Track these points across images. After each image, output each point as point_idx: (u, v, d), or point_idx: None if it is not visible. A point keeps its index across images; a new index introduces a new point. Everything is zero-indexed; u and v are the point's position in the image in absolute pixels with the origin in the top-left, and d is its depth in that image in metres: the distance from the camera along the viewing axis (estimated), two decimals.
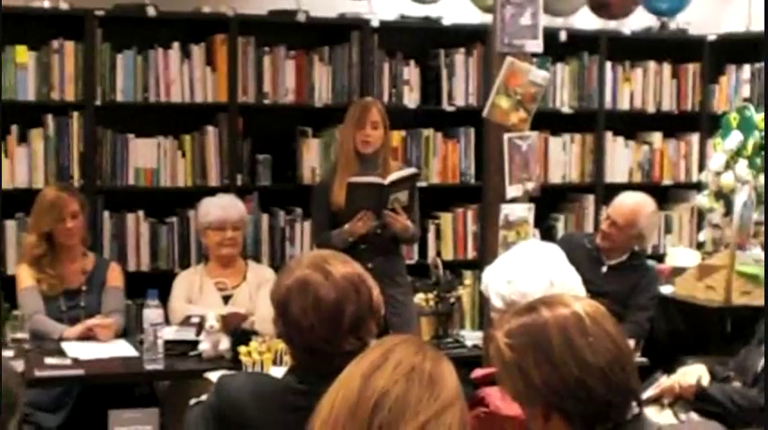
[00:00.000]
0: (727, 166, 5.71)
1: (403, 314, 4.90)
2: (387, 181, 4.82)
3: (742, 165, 5.65)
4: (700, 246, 6.16)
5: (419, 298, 5.14)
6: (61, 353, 4.30)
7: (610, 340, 1.93)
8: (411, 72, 5.95)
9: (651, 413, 3.72)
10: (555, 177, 6.33)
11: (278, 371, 2.79)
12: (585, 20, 6.34)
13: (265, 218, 5.76)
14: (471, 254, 6.08)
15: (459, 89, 6.00)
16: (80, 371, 4.15)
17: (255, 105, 5.66)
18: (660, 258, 6.27)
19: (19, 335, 4.33)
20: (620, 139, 6.49)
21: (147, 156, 5.49)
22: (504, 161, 4.70)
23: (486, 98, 4.83)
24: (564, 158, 6.35)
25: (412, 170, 5.10)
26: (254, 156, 5.72)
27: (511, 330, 1.97)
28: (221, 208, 4.99)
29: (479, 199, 5.82)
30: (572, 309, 1.96)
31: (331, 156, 5.63)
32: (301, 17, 5.60)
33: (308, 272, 2.43)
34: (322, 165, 5.66)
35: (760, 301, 5.07)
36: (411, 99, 5.96)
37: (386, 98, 5.84)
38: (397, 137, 5.86)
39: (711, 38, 6.54)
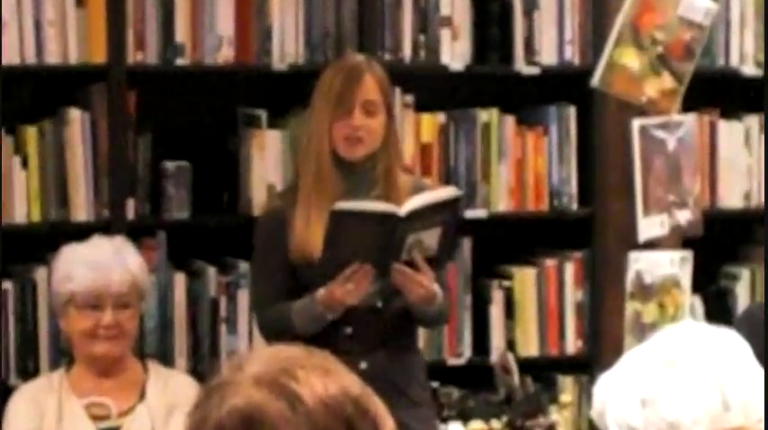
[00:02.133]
0: None
1: None
2: (403, 210, 4.61)
3: None
4: None
5: (477, 427, 5.04)
6: None
7: None
8: (454, 4, 5.47)
9: None
10: (731, 197, 5.89)
11: None
12: None
13: (180, 279, 5.36)
14: (573, 345, 5.72)
15: (546, 36, 5.62)
16: None
17: (160, 69, 5.33)
18: None
19: None
20: None
21: None
22: (635, 169, 4.70)
23: (598, 52, 4.91)
24: (747, 161, 5.85)
25: (450, 192, 4.93)
26: (157, 164, 5.35)
27: None
28: (94, 267, 4.78)
29: (588, 241, 5.64)
30: None
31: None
32: None
33: (260, 395, 2.17)
34: (286, 178, 5.35)
35: None
36: (455, 54, 5.54)
37: (407, 53, 5.49)
38: (427, 125, 5.52)
39: None
